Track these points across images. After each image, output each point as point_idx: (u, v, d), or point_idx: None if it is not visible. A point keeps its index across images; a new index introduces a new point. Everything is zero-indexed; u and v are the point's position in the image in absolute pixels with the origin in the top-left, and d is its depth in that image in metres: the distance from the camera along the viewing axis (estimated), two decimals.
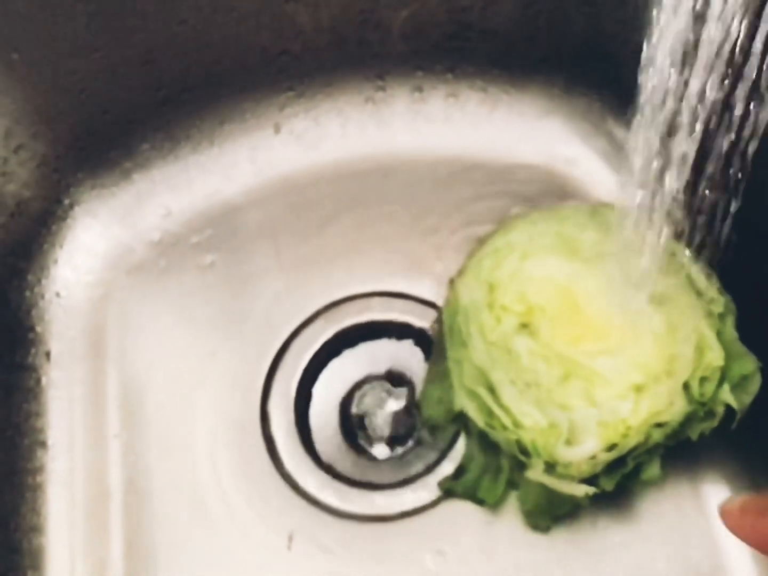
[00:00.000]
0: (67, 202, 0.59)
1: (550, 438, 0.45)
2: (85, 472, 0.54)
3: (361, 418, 0.56)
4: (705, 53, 0.32)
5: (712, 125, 0.36)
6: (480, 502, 0.51)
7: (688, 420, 0.46)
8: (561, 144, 0.61)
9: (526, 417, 0.46)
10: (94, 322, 0.58)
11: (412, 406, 0.55)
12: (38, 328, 0.57)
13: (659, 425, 0.45)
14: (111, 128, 0.58)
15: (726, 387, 0.45)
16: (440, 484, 0.52)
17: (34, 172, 0.56)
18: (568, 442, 0.45)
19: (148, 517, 0.53)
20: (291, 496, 0.53)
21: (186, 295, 0.58)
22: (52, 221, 0.58)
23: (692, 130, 0.36)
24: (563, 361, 0.46)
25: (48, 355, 0.56)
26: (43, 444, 0.54)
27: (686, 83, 0.35)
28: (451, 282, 0.51)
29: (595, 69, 0.58)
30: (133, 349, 0.57)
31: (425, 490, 0.52)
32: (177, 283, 0.58)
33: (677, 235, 0.44)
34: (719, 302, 0.47)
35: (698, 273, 0.48)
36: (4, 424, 0.53)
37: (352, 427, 0.56)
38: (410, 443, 0.55)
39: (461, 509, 0.52)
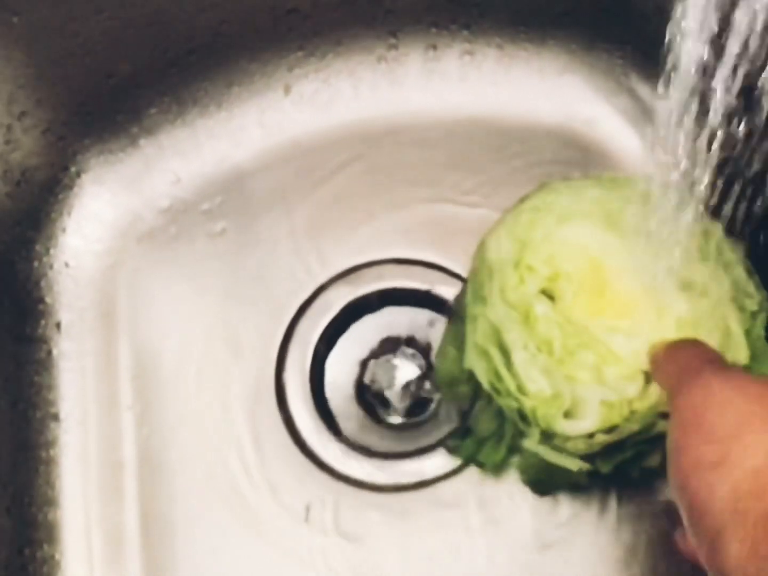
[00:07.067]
0: (73, 169, 0.58)
1: (551, 408, 0.44)
2: (98, 444, 0.54)
3: (377, 386, 0.55)
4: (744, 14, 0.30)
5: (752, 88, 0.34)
6: (480, 465, 0.51)
7: None
8: (581, 103, 0.59)
9: (532, 383, 0.45)
10: (105, 291, 0.57)
11: (429, 374, 0.55)
12: (48, 299, 0.56)
13: (666, 416, 0.43)
14: (116, 92, 0.57)
15: None
16: (447, 445, 0.52)
17: (39, 139, 0.55)
18: (568, 415, 0.44)
19: (163, 488, 0.53)
20: (307, 466, 0.53)
21: (197, 262, 0.57)
22: (59, 189, 0.58)
23: (729, 94, 0.34)
24: (579, 332, 0.45)
25: (58, 326, 0.56)
26: (55, 417, 0.54)
27: (724, 41, 0.32)
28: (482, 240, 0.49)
29: (618, 23, 0.56)
30: (145, 319, 0.56)
31: (443, 459, 0.52)
32: (188, 251, 0.58)
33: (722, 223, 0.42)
34: (755, 299, 0.46)
35: (740, 264, 0.46)
36: (16, 397, 0.53)
37: (369, 395, 0.55)
38: (427, 411, 0.55)
39: (480, 478, 0.52)
